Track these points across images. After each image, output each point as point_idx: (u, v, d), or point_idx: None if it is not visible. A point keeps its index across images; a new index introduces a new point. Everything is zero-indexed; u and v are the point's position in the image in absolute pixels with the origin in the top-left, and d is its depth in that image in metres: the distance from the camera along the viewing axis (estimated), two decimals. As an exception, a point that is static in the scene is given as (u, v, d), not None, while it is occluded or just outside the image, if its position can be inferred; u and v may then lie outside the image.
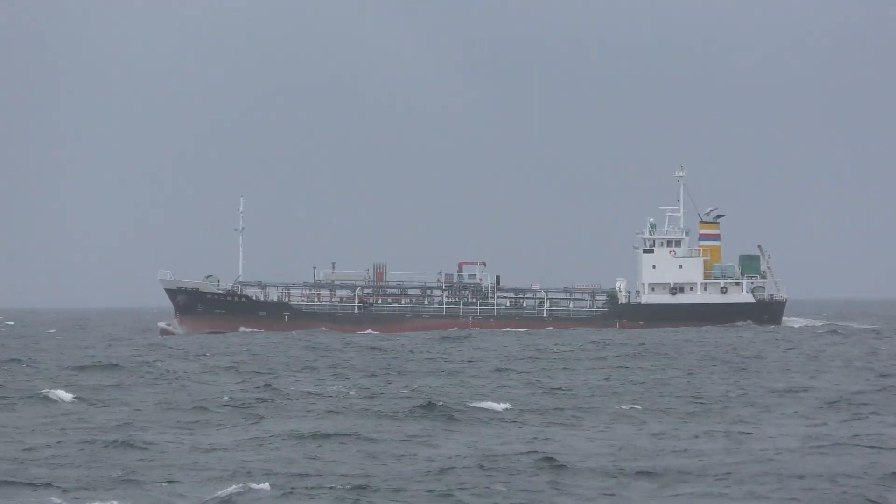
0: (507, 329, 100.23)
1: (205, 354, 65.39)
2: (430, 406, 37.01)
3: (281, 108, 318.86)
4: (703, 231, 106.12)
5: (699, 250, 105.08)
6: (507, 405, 37.80)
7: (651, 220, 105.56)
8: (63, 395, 41.13)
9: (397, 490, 24.87)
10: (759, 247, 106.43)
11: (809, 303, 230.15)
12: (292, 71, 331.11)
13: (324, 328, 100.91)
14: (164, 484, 25.57)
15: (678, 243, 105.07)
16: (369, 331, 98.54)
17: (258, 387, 44.70)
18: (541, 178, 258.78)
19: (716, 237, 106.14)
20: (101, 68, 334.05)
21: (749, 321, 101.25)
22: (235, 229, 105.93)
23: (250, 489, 24.82)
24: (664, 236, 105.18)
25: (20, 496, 24.69)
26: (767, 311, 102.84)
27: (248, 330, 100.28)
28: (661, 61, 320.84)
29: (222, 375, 50.88)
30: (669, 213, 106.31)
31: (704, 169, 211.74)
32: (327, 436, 31.44)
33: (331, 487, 24.94)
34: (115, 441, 30.80)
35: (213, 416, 36.38)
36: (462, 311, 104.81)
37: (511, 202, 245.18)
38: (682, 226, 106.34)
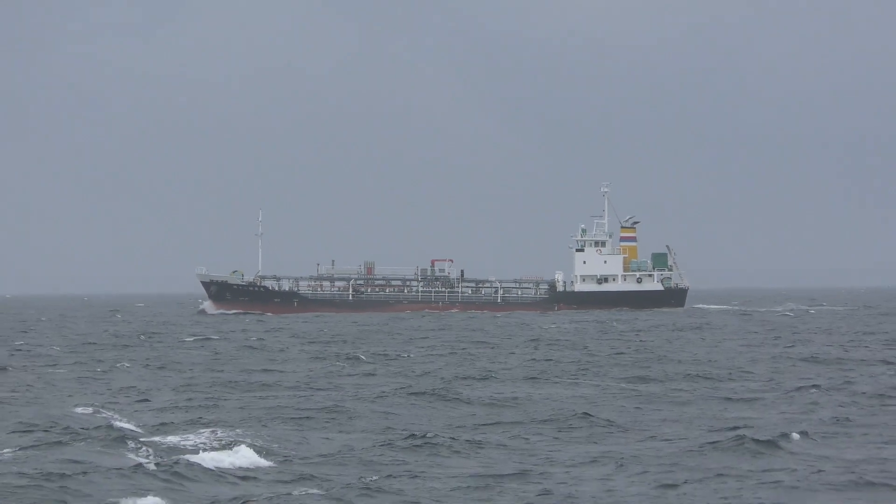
0: (470, 311, 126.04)
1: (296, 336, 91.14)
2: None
3: (291, 129, 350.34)
4: (623, 234, 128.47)
5: (620, 249, 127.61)
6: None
7: (582, 226, 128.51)
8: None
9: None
10: (667, 246, 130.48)
11: (719, 291, 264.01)
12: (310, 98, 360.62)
13: (325, 312, 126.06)
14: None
15: (603, 244, 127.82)
16: (368, 313, 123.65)
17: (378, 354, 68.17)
18: (497, 193, 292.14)
19: (633, 239, 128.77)
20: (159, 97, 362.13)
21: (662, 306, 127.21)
22: (255, 234, 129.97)
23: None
24: (592, 238, 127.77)
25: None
26: (674, 297, 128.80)
27: (266, 313, 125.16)
28: (595, 95, 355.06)
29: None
30: (597, 221, 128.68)
31: (625, 184, 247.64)
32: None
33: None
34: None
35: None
36: (434, 298, 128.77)
37: (474, 211, 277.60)
38: (606, 230, 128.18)
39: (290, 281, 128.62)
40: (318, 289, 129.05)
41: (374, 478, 23.52)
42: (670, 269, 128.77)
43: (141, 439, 27.04)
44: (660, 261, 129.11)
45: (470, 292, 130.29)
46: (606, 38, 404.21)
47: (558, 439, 28.82)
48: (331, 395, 37.78)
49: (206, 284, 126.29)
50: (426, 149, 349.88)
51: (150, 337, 74.85)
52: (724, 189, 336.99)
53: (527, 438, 28.80)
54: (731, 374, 44.52)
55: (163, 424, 30.45)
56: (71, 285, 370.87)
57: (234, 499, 21.60)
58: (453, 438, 28.01)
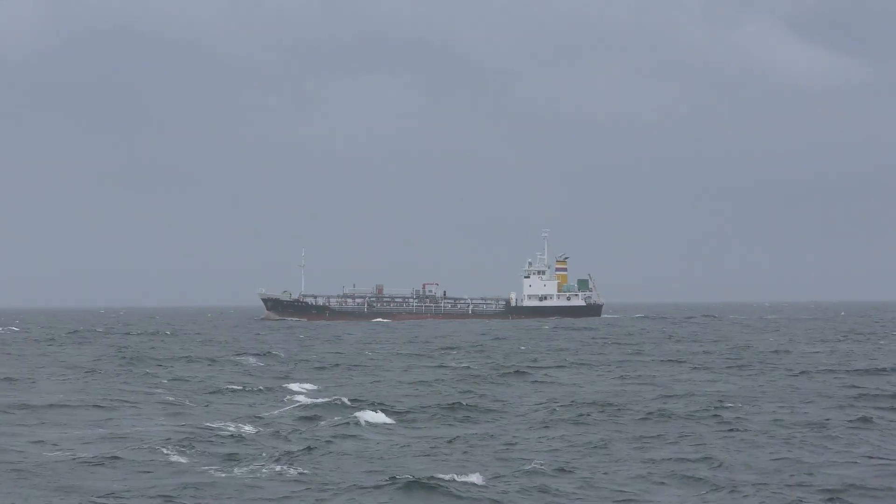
0: (451, 319, 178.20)
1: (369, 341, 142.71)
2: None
3: (326, 186, 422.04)
4: (557, 266, 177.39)
5: (555, 276, 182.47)
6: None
7: (529, 260, 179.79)
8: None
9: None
10: (588, 275, 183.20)
11: (629, 304, 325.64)
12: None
13: (348, 320, 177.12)
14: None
15: (543, 272, 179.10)
16: (378, 320, 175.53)
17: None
18: (470, 233, 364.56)
19: (564, 269, 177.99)
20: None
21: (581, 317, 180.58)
22: (300, 265, 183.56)
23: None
24: (536, 269, 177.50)
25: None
26: (593, 310, 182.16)
27: (304, 320, 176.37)
28: (539, 153, 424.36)
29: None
30: (539, 256, 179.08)
31: (560, 229, 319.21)
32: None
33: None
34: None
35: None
36: (424, 310, 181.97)
37: (454, 248, 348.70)
38: (546, 263, 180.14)
39: (323, 298, 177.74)
40: (343, 304, 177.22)
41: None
42: (590, 291, 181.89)
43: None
44: (583, 285, 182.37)
45: (450, 306, 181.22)
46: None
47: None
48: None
49: (265, 300, 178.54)
50: (421, 194, 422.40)
51: (293, 331, 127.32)
52: (638, 221, 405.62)
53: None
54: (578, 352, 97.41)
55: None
56: (148, 299, 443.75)
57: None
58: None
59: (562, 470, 25.77)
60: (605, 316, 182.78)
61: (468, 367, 58.61)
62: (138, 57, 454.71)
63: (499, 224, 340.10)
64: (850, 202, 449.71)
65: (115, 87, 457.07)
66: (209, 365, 60.78)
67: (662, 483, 24.56)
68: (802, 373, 52.47)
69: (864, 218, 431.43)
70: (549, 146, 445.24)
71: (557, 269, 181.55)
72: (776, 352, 71.19)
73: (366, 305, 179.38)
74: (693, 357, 66.39)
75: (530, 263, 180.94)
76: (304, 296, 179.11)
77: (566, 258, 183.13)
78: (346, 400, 39.79)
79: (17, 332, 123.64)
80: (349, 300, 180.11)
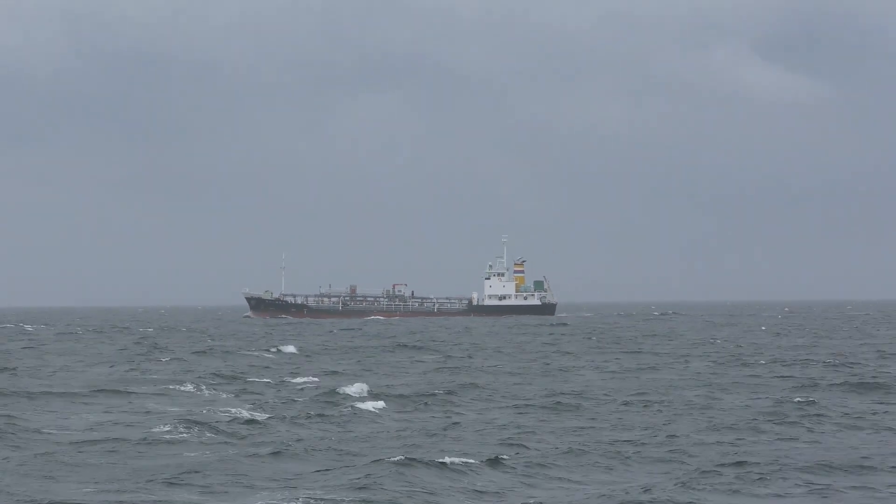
0: (418, 317, 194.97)
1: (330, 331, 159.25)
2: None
3: (320, 191, 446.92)
4: (515, 268, 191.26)
5: (514, 278, 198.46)
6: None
7: (490, 263, 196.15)
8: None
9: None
10: (544, 276, 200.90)
11: (578, 304, 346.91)
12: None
13: (324, 318, 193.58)
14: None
15: (503, 274, 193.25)
16: (352, 319, 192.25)
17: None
18: (441, 238, 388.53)
19: (522, 271, 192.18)
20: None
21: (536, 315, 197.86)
22: (281, 267, 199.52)
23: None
24: (496, 271, 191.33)
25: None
26: (547, 309, 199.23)
27: (286, 317, 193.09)
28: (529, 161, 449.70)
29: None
30: (499, 259, 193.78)
31: (519, 235, 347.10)
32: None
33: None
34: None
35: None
36: (394, 309, 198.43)
37: (421, 248, 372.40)
38: (505, 265, 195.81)
39: (302, 297, 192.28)
40: (320, 302, 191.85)
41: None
42: (545, 291, 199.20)
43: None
44: (539, 286, 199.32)
45: (417, 305, 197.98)
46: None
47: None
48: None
49: (248, 299, 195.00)
50: (389, 196, 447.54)
51: (272, 329, 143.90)
52: (587, 225, 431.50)
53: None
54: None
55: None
56: (134, 298, 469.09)
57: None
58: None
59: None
60: (559, 314, 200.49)
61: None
62: (152, 75, 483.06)
63: (472, 229, 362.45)
64: (837, 205, 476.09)
65: (131, 103, 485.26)
66: (230, 356, 71.03)
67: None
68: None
69: (864, 219, 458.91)
70: (537, 156, 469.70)
71: (515, 272, 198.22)
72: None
73: (340, 304, 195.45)
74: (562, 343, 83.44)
75: (491, 266, 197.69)
76: (284, 295, 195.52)
77: (523, 261, 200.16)
78: (350, 389, 45.17)
79: (44, 328, 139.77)
80: (325, 299, 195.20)
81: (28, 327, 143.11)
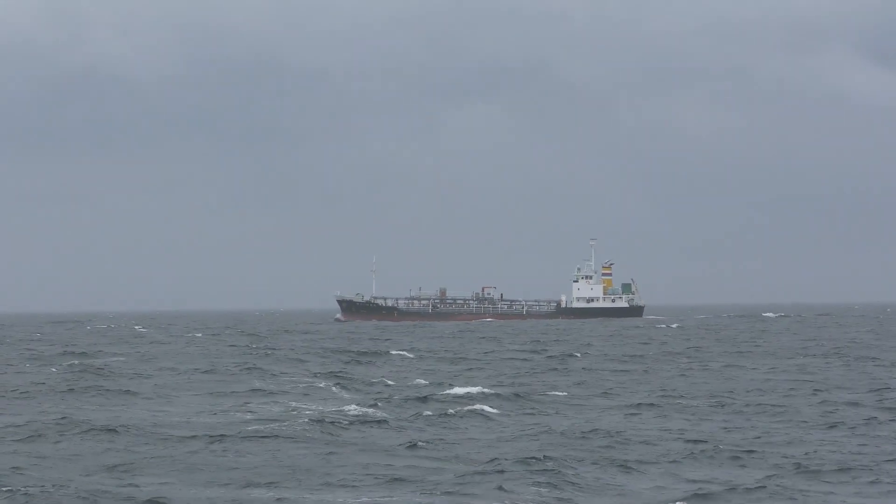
0: (507, 319, 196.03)
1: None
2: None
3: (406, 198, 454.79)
4: (603, 271, 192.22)
5: (601, 281, 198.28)
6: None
7: (578, 266, 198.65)
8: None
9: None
10: (631, 279, 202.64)
11: (669, 307, 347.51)
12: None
13: (414, 321, 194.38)
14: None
15: (591, 277, 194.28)
16: (442, 321, 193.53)
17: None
18: (530, 241, 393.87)
19: (609, 274, 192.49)
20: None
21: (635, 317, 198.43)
22: (371, 270, 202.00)
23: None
24: (584, 274, 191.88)
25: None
26: (635, 311, 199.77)
27: (375, 320, 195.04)
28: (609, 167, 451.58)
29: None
30: (587, 262, 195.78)
31: (607, 238, 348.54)
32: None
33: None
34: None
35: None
36: (483, 311, 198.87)
37: (511, 250, 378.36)
38: (593, 268, 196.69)
39: (392, 300, 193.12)
40: (410, 305, 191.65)
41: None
42: (633, 294, 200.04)
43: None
44: (626, 289, 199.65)
45: (506, 308, 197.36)
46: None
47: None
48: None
49: (340, 302, 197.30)
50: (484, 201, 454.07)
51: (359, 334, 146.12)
52: (673, 230, 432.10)
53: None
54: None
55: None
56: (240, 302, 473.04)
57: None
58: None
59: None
60: (648, 316, 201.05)
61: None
62: (261, 83, 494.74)
63: (561, 233, 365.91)
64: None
65: (239, 112, 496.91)
66: (344, 355, 75.50)
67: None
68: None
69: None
70: (635, 162, 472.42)
71: (603, 275, 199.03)
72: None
73: (430, 307, 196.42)
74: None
75: (579, 269, 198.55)
76: (375, 298, 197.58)
77: (611, 264, 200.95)
78: (461, 388, 46.58)
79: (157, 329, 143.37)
80: (415, 302, 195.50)
81: (139, 328, 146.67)
